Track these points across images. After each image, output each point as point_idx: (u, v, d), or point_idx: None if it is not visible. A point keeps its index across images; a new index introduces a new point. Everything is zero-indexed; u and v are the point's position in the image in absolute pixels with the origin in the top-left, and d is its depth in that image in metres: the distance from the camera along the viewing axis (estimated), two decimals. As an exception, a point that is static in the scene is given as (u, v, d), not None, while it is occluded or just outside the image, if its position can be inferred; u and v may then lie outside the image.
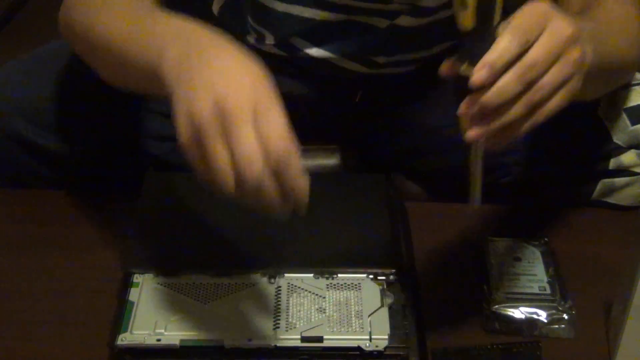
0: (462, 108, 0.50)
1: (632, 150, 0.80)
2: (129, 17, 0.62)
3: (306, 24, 0.75)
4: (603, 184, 0.81)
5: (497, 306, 0.70)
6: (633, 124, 0.80)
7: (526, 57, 0.50)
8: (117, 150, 0.85)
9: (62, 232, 0.79)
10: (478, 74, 0.49)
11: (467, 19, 0.50)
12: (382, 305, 0.65)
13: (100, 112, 0.84)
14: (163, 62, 0.54)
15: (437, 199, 0.88)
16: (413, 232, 0.77)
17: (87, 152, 0.83)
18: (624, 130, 0.80)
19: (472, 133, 0.51)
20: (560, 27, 0.51)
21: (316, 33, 0.76)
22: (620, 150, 0.80)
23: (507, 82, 0.50)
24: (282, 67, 0.79)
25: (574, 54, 0.52)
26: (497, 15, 0.50)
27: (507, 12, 0.52)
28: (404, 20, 0.75)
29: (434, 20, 0.75)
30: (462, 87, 0.50)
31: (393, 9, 0.74)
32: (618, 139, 0.80)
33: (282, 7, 0.75)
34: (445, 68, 0.52)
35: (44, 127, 0.82)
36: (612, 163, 0.80)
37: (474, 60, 0.49)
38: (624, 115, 0.81)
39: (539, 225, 0.81)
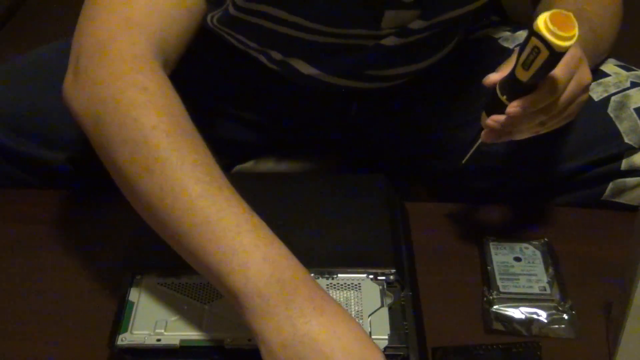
0: (491, 123, 0.64)
1: None
2: (207, 200, 0.53)
3: (298, 44, 0.75)
4: (614, 184, 0.82)
5: (497, 306, 0.70)
6: None
7: (555, 105, 0.64)
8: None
9: (62, 232, 0.79)
10: (513, 109, 0.63)
11: (523, 76, 0.62)
12: (382, 305, 0.65)
13: None
14: (248, 300, 0.49)
15: (437, 199, 0.88)
16: (413, 232, 0.78)
17: (74, 160, 0.83)
18: (635, 130, 0.81)
19: (488, 136, 0.66)
20: (584, 77, 0.66)
21: (306, 52, 0.76)
22: (632, 150, 0.80)
23: (532, 117, 0.64)
24: (277, 79, 0.80)
25: (586, 96, 0.67)
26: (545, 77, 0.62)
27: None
28: (390, 41, 0.75)
29: (421, 38, 0.76)
30: (494, 105, 0.65)
31: (383, 35, 0.75)
32: (629, 139, 0.80)
33: (283, 30, 0.74)
34: (489, 80, 0.65)
35: (26, 134, 0.81)
36: (624, 163, 0.80)
37: (513, 95, 0.63)
38: (635, 115, 0.81)
39: (539, 225, 0.81)
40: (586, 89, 0.66)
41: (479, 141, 0.67)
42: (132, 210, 0.74)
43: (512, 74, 0.62)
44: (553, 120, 0.65)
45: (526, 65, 0.60)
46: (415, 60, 0.81)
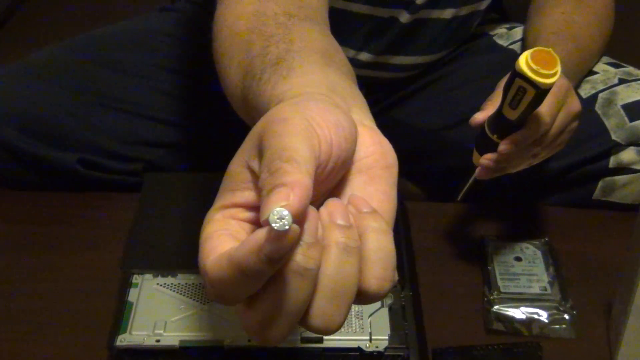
0: (484, 162, 0.64)
1: (632, 148, 0.79)
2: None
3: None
4: (604, 182, 0.81)
5: (497, 306, 0.70)
6: (631, 120, 0.79)
7: (546, 136, 0.64)
8: (110, 156, 0.85)
9: (61, 233, 0.79)
10: (505, 147, 0.63)
11: (512, 115, 0.61)
12: (382, 306, 0.64)
13: (92, 118, 0.85)
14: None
15: (437, 199, 0.88)
16: (413, 232, 0.77)
17: (81, 160, 0.84)
18: (622, 127, 0.79)
19: (483, 174, 0.66)
20: (573, 107, 0.66)
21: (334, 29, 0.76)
22: (620, 147, 0.79)
23: (525, 152, 0.64)
24: None
25: (576, 124, 0.68)
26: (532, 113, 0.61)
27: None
28: (426, 13, 0.78)
29: (449, 25, 0.80)
30: (485, 143, 0.64)
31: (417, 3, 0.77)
32: (617, 136, 0.79)
33: None
34: (476, 121, 0.64)
35: (37, 134, 0.82)
36: (612, 161, 0.80)
37: (503, 133, 0.63)
38: (622, 112, 0.80)
39: (539, 225, 0.81)
40: (576, 117, 0.66)
41: (473, 178, 0.67)
42: (131, 210, 0.76)
43: (499, 113, 0.62)
44: (545, 150, 0.66)
45: (514, 105, 0.59)
46: (431, 51, 0.84)
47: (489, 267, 0.74)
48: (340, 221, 0.35)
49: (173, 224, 0.74)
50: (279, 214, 0.32)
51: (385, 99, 0.91)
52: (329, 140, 0.36)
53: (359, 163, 0.39)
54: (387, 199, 0.38)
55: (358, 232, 0.36)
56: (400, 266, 0.68)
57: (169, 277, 0.68)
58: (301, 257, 0.33)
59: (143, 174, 0.82)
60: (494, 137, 0.64)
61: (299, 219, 0.33)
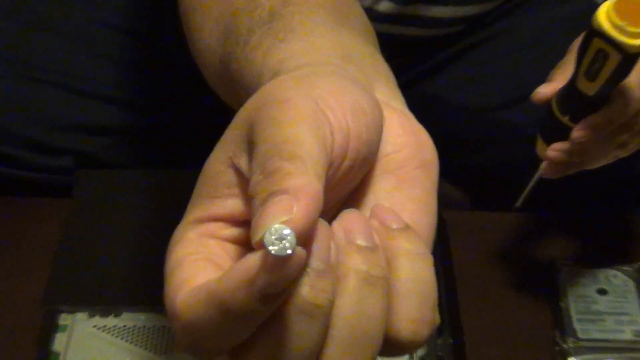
0: (553, 154, 0.64)
1: None
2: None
3: None
4: None
5: (574, 358, 0.69)
6: None
7: (638, 118, 0.63)
8: (30, 147, 0.85)
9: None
10: (581, 133, 0.62)
11: (589, 89, 0.60)
12: (411, 359, 0.65)
13: (5, 95, 0.85)
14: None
15: (487, 207, 0.87)
16: (454, 253, 0.76)
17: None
18: None
19: (550, 171, 0.66)
20: None
21: None
22: None
23: (608, 140, 0.63)
24: None
25: None
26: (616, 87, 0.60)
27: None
28: None
29: None
30: (553, 128, 0.64)
31: None
32: None
33: None
34: (540, 96, 0.64)
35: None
36: None
37: (577, 114, 0.62)
38: None
39: (633, 244, 0.80)
40: None
41: (537, 177, 0.67)
42: (59, 222, 0.77)
43: (572, 86, 0.61)
44: (637, 138, 0.65)
45: (591, 75, 0.59)
46: (462, 2, 0.84)
47: (562, 303, 0.73)
48: (360, 241, 0.35)
49: (117, 242, 0.74)
50: (279, 233, 0.31)
51: (413, 66, 0.91)
52: (344, 130, 0.36)
53: (385, 160, 0.39)
54: (424, 209, 0.39)
55: (385, 256, 0.36)
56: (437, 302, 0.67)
57: (111, 316, 0.68)
58: (308, 290, 0.33)
59: (74, 171, 0.81)
60: (566, 120, 0.63)
61: (305, 238, 0.32)
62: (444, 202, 0.84)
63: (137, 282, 0.70)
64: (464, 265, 0.76)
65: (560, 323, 0.71)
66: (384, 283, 0.35)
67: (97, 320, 0.68)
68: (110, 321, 0.67)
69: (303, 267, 0.33)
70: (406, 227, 0.36)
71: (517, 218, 0.81)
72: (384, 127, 0.39)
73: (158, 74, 0.90)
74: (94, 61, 0.88)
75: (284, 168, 0.33)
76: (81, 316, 0.67)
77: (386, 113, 0.39)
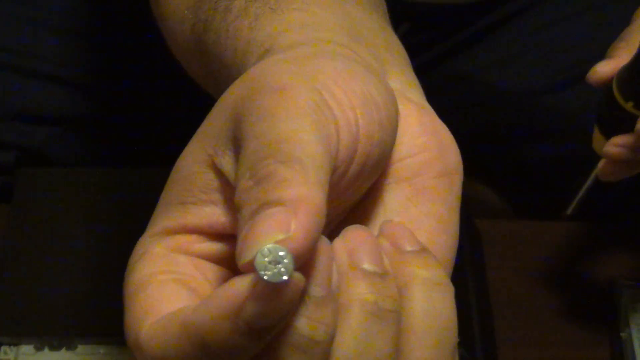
0: (612, 150, 0.64)
1: None
2: None
3: None
4: None
5: None
6: None
7: None
8: None
9: None
10: None
11: None
12: None
13: None
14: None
15: (529, 214, 0.88)
16: (489, 270, 0.77)
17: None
18: None
19: (609, 170, 0.66)
20: None
21: None
22: None
23: None
24: None
25: None
26: None
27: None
28: None
29: None
30: (613, 116, 0.65)
31: None
32: None
33: None
34: (598, 77, 0.64)
35: None
36: None
37: None
38: None
39: None
40: None
41: (593, 178, 0.68)
42: None
43: (638, 64, 0.63)
44: None
45: None
46: None
47: (623, 334, 0.74)
48: (367, 265, 0.35)
49: (68, 258, 0.75)
50: (273, 255, 0.31)
51: (441, 40, 0.91)
52: (353, 128, 0.37)
53: (399, 166, 0.40)
54: (444, 228, 0.39)
55: (397, 284, 0.36)
56: (469, 332, 0.69)
57: (63, 350, 0.69)
58: (305, 322, 0.33)
59: (15, 170, 0.82)
60: (629, 106, 0.64)
61: (304, 261, 0.33)
62: (478, 209, 0.87)
63: (94, 307, 0.71)
64: (500, 285, 0.77)
65: (621, 357, 0.72)
66: (394, 318, 0.35)
67: (46, 355, 0.69)
68: (63, 356, 0.68)
69: (300, 296, 0.33)
70: (422, 250, 0.37)
71: (566, 228, 0.82)
72: (399, 124, 0.39)
73: (116, 48, 0.90)
74: (34, 31, 0.89)
75: (280, 173, 0.33)
76: (26, 349, 0.68)
77: (402, 107, 0.40)
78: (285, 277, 0.31)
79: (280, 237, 0.32)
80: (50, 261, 0.74)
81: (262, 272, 0.31)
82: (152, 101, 0.88)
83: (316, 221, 0.32)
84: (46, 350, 0.69)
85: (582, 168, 0.69)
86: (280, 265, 0.31)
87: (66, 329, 0.70)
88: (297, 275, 0.32)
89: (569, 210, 0.70)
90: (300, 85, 0.36)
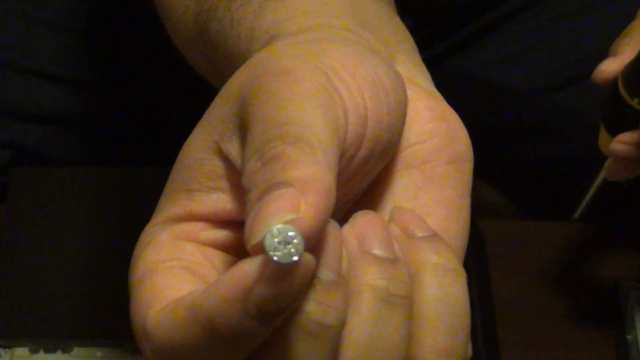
0: (619, 148, 0.64)
1: None
2: None
3: None
4: None
5: None
6: None
7: None
8: None
9: None
10: None
11: None
12: None
13: None
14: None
15: (535, 215, 0.88)
16: (493, 272, 0.77)
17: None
18: None
19: (616, 170, 0.65)
20: None
21: None
22: None
23: None
24: None
25: None
26: None
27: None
28: None
29: None
30: (620, 114, 0.64)
31: None
32: None
33: None
34: (604, 75, 0.64)
35: None
36: None
37: None
38: None
39: None
40: None
41: (601, 178, 0.68)
42: None
43: None
44: None
45: None
46: None
47: (629, 336, 0.73)
48: (378, 251, 0.36)
49: (64, 258, 0.75)
50: (283, 236, 0.31)
51: (445, 36, 0.93)
52: (361, 111, 0.37)
53: (408, 152, 0.40)
54: (455, 215, 0.40)
55: (408, 271, 0.36)
56: (471, 337, 0.67)
57: (59, 352, 0.69)
58: (315, 306, 0.33)
59: (9, 169, 0.82)
60: (635, 103, 0.64)
61: (314, 243, 0.33)
62: (481, 209, 0.86)
63: (90, 309, 0.71)
64: (504, 286, 0.77)
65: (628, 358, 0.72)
66: (406, 303, 0.35)
67: (42, 358, 0.68)
68: (58, 358, 0.68)
69: (311, 278, 0.33)
70: (434, 236, 0.37)
71: (571, 229, 0.82)
72: (407, 110, 0.39)
73: (113, 46, 0.90)
74: (29, 28, 0.89)
75: (288, 154, 0.33)
76: (21, 352, 0.68)
77: (410, 93, 0.40)
78: (295, 258, 0.31)
79: (290, 217, 0.32)
80: (46, 262, 0.74)
81: (272, 253, 0.31)
82: (149, 100, 0.88)
83: (326, 202, 0.32)
84: (41, 352, 0.68)
85: (587, 167, 0.68)
86: (290, 246, 0.31)
87: (62, 331, 0.70)
88: (307, 257, 0.32)
89: (577, 214, 0.70)
90: (306, 68, 0.36)
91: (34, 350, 0.68)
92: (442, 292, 0.36)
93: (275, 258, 0.31)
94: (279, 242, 0.31)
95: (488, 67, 0.90)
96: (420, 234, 0.37)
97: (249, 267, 0.32)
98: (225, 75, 0.39)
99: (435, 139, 0.39)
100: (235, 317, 0.32)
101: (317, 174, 0.33)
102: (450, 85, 0.91)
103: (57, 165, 0.86)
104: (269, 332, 0.33)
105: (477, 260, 0.76)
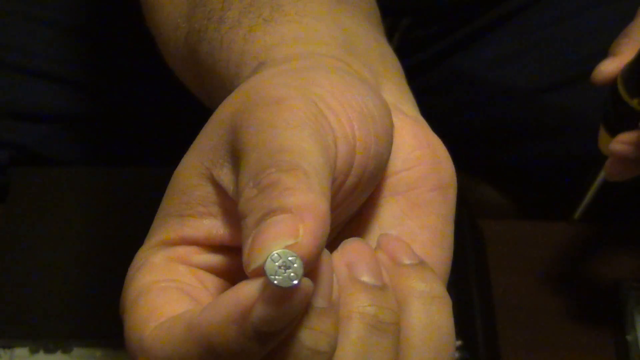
0: (618, 148, 0.64)
1: None
2: None
3: None
4: None
5: None
6: None
7: None
8: None
9: None
10: None
11: None
12: None
13: None
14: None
15: (536, 216, 0.88)
16: (493, 274, 0.77)
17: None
18: None
19: (616, 170, 0.65)
20: None
21: None
22: None
23: None
24: None
25: None
26: None
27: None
28: None
29: None
30: (619, 114, 0.64)
31: None
32: None
33: None
34: (602, 76, 0.64)
35: None
36: None
37: None
38: None
39: None
40: None
41: (600, 178, 0.68)
42: None
43: None
44: None
45: None
46: None
47: (629, 336, 0.73)
48: (366, 278, 0.36)
49: (63, 259, 0.75)
50: (283, 260, 0.32)
51: (444, 35, 0.92)
52: (350, 140, 0.37)
53: (395, 179, 0.40)
54: (439, 241, 0.40)
55: (395, 298, 0.37)
56: (471, 335, 0.69)
57: (59, 353, 0.69)
58: (308, 333, 0.34)
59: (9, 169, 0.83)
60: (635, 103, 0.64)
61: (312, 268, 0.33)
62: (482, 209, 0.86)
63: (90, 309, 0.71)
64: (505, 288, 0.77)
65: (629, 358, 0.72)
66: (394, 330, 0.35)
67: (42, 358, 0.68)
68: (58, 359, 0.68)
69: (308, 302, 0.33)
70: (420, 263, 0.38)
71: (571, 229, 0.82)
72: (393, 138, 0.40)
73: (113, 45, 0.90)
74: (29, 27, 0.89)
75: (284, 181, 0.33)
76: (20, 352, 0.68)
77: (396, 120, 0.40)
78: (295, 282, 0.31)
79: (290, 242, 0.32)
80: (46, 262, 0.74)
81: (273, 277, 0.31)
82: (149, 100, 0.88)
83: (323, 228, 0.33)
84: (41, 353, 0.69)
85: (587, 167, 0.68)
86: (290, 270, 0.31)
87: (62, 332, 0.70)
88: (306, 281, 0.32)
89: (577, 214, 0.70)
90: (297, 97, 0.36)
91: (34, 351, 0.68)
92: (429, 319, 0.36)
93: (275, 282, 0.31)
94: (279, 267, 0.32)
95: (488, 66, 0.90)
96: (407, 262, 0.37)
97: (248, 289, 0.32)
98: (214, 94, 0.39)
99: (421, 166, 0.40)
100: (233, 337, 0.32)
101: (313, 201, 0.33)
102: (451, 84, 0.91)
103: (56, 166, 0.86)
104: (264, 353, 0.33)
105: (477, 260, 0.76)
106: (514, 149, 0.90)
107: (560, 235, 0.81)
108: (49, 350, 0.69)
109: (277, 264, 0.32)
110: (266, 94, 0.37)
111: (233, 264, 0.35)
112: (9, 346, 0.69)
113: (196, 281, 0.38)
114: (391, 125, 0.39)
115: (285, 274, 0.31)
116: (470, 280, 0.74)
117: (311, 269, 0.33)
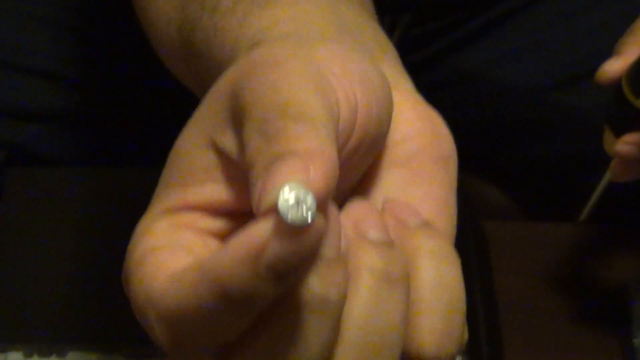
0: (624, 148, 0.64)
1: None
2: None
3: None
4: None
5: None
6: None
7: None
8: None
9: None
10: None
11: None
12: None
13: None
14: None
15: (540, 217, 0.88)
16: (496, 274, 0.77)
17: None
18: None
19: (621, 171, 0.65)
20: None
21: None
22: None
23: None
24: None
25: None
26: None
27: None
28: None
29: None
30: (624, 115, 0.65)
31: None
32: None
33: None
34: (607, 76, 0.65)
35: None
36: None
37: None
38: None
39: None
40: None
41: (605, 180, 0.69)
42: None
43: None
44: None
45: None
46: None
47: (636, 340, 0.73)
48: (374, 235, 0.36)
49: (59, 260, 0.75)
50: (296, 195, 0.32)
51: (445, 32, 0.93)
52: (351, 101, 0.37)
53: (394, 150, 0.41)
54: (444, 210, 0.40)
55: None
56: (473, 336, 0.69)
57: (53, 357, 0.70)
58: (318, 281, 0.34)
59: (5, 169, 0.83)
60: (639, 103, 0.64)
61: (322, 210, 0.33)
62: (485, 210, 0.87)
63: (85, 313, 0.71)
64: (508, 291, 0.77)
65: (636, 361, 0.71)
66: (404, 284, 0.36)
67: (33, 360, 0.68)
68: (52, 360, 0.68)
69: (322, 241, 0.33)
70: (426, 224, 0.38)
71: (576, 230, 0.82)
72: (393, 110, 0.40)
73: (109, 44, 0.90)
74: (25, 25, 0.89)
75: (291, 129, 0.34)
76: (15, 356, 0.69)
77: (395, 93, 0.40)
78: (309, 218, 0.31)
79: (302, 177, 0.32)
80: (41, 264, 0.74)
81: (286, 213, 0.31)
82: (145, 99, 0.88)
83: (332, 171, 0.33)
84: (35, 357, 0.69)
85: (592, 167, 0.69)
86: (303, 206, 0.32)
87: (56, 335, 0.70)
88: (320, 218, 0.32)
89: (583, 216, 0.70)
90: (297, 59, 0.37)
91: (28, 355, 0.68)
92: (439, 276, 0.37)
93: (289, 219, 0.31)
94: (292, 204, 0.32)
95: (490, 64, 0.90)
96: (413, 223, 0.38)
97: (261, 228, 0.32)
98: (209, 84, 0.38)
99: (421, 138, 0.40)
100: (247, 278, 0.32)
101: (321, 146, 0.33)
102: (451, 82, 0.92)
103: (52, 165, 0.87)
104: (276, 294, 0.33)
105: (480, 262, 0.76)
106: (516, 148, 0.90)
107: (565, 236, 0.81)
108: (43, 354, 0.69)
109: (289, 200, 0.32)
110: (266, 58, 0.37)
111: (238, 228, 0.34)
112: (3, 350, 0.69)
113: (202, 244, 0.38)
114: (390, 93, 0.40)
115: (299, 211, 0.32)
116: (473, 281, 0.73)
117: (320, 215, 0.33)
